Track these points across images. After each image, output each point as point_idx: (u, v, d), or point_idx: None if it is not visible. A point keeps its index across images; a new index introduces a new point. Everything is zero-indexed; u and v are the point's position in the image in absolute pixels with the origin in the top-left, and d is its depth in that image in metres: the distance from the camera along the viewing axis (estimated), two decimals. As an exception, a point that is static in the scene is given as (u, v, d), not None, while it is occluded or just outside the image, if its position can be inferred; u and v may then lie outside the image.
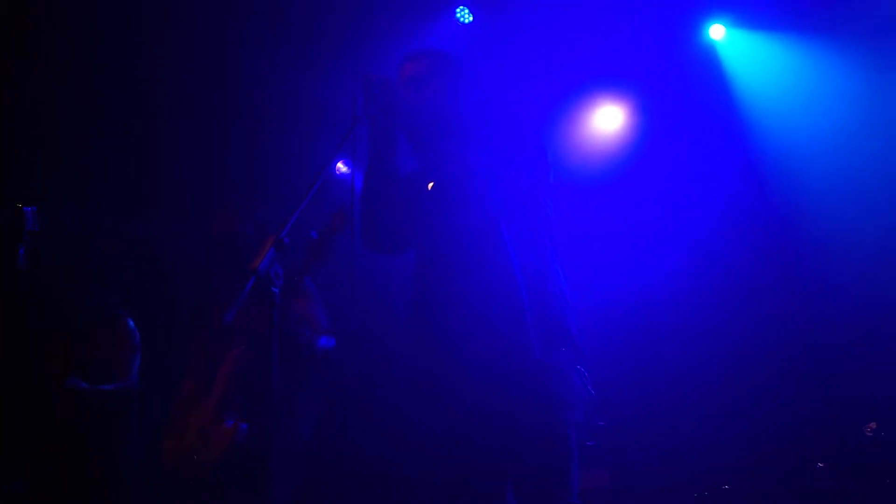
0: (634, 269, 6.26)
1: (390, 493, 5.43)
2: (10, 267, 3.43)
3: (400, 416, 5.36)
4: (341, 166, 5.60)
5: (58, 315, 4.37)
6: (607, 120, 6.64)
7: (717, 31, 6.32)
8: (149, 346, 4.61)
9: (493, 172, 2.89)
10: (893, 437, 5.36)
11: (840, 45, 5.98)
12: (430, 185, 3.00)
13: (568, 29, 6.07)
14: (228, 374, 3.92)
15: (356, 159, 2.88)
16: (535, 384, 2.78)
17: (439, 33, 6.15)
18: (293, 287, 3.80)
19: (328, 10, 5.96)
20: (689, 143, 6.35)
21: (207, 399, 3.94)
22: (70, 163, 5.68)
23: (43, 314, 4.36)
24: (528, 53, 6.12)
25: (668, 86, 6.35)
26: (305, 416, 4.12)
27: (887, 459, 5.29)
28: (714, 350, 6.11)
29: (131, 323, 4.50)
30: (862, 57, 5.93)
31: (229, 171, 6.05)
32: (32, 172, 5.43)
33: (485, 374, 2.79)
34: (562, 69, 6.21)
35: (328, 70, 5.85)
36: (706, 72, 6.36)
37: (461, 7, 6.22)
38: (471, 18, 6.24)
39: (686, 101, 6.37)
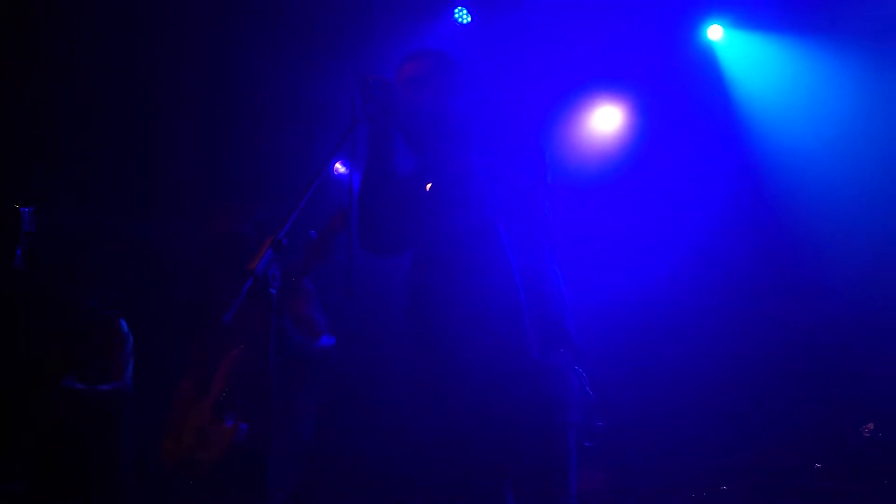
0: (633, 269, 6.26)
1: (390, 493, 5.43)
2: (7, 267, 3.44)
3: (399, 416, 5.36)
4: (339, 167, 5.60)
5: (54, 315, 4.36)
6: (605, 120, 6.64)
7: (715, 32, 6.33)
8: (148, 346, 4.61)
9: (491, 173, 2.90)
10: (891, 437, 5.37)
11: (838, 46, 5.99)
12: (429, 185, 3.00)
13: (566, 29, 6.08)
14: (227, 373, 3.92)
15: (354, 160, 2.88)
16: (534, 384, 2.79)
17: (438, 34, 6.16)
18: (292, 288, 3.81)
19: (328, 10, 5.97)
20: (688, 143, 6.36)
21: (206, 399, 3.94)
22: (70, 163, 5.67)
23: (40, 314, 4.36)
24: (527, 54, 6.13)
25: (667, 86, 6.36)
26: (305, 416, 4.12)
27: (885, 460, 5.30)
28: (712, 351, 6.12)
29: (124, 323, 4.50)
30: (860, 58, 5.93)
31: (229, 171, 6.05)
32: (32, 172, 5.43)
33: (484, 374, 2.80)
34: (560, 70, 6.22)
35: (328, 70, 5.85)
36: (704, 73, 6.37)
37: (459, 7, 6.23)
38: (469, 19, 6.25)
39: (684, 101, 6.38)
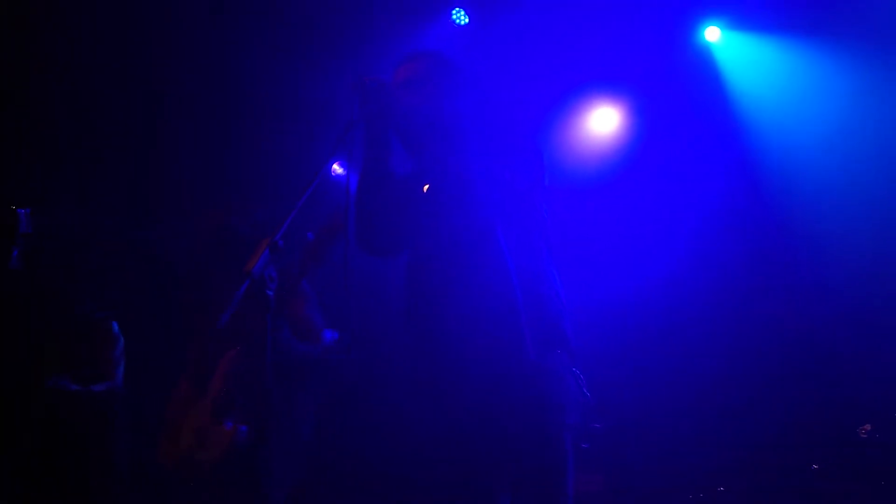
0: (630, 270, 6.27)
1: (389, 493, 5.43)
2: (4, 268, 3.45)
3: (399, 417, 5.36)
4: (337, 168, 5.60)
5: (50, 316, 4.37)
6: (603, 122, 6.64)
7: (712, 34, 6.34)
8: (147, 346, 4.62)
9: (488, 175, 2.90)
10: (888, 438, 5.37)
11: (835, 47, 6.00)
12: (426, 187, 3.01)
13: (563, 31, 6.08)
14: (225, 374, 3.92)
15: (352, 161, 2.88)
16: (531, 386, 2.79)
17: (435, 35, 6.16)
18: (290, 289, 3.81)
19: (328, 10, 5.97)
20: (685, 144, 6.36)
21: (204, 399, 3.95)
22: (70, 163, 5.67)
23: (36, 315, 4.37)
24: (524, 55, 6.13)
25: (664, 88, 6.36)
26: (305, 416, 4.13)
27: (883, 460, 5.30)
28: (709, 351, 6.12)
29: (115, 325, 4.51)
30: (856, 59, 5.94)
31: (229, 171, 6.05)
32: (32, 172, 5.43)
33: (481, 375, 2.80)
34: (557, 71, 6.22)
35: (328, 70, 5.85)
36: (702, 74, 6.38)
37: (457, 9, 6.23)
38: (467, 20, 6.25)
39: (682, 103, 6.38)
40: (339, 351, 4.14)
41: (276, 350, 2.49)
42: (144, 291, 5.45)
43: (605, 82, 6.43)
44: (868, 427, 5.42)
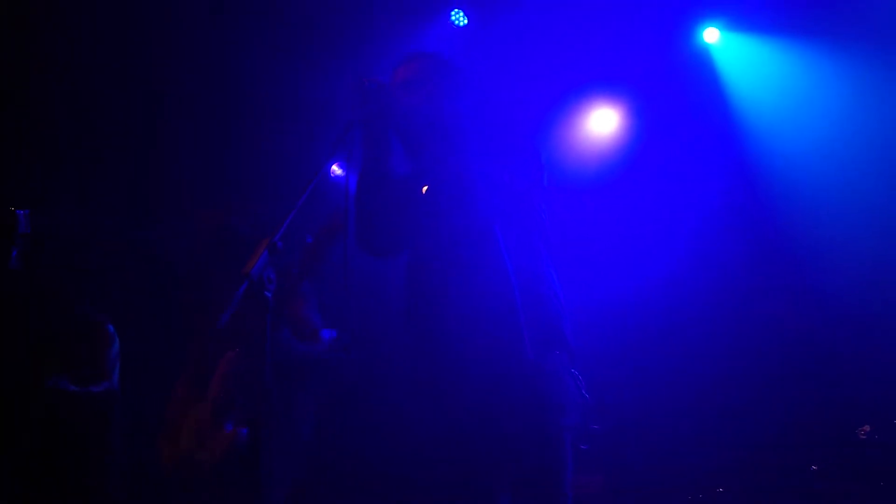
0: (630, 271, 6.27)
1: (389, 493, 5.43)
2: (3, 268, 3.45)
3: (398, 417, 5.36)
4: (336, 169, 5.60)
5: (49, 317, 4.37)
6: (602, 123, 6.64)
7: (711, 35, 6.33)
8: (147, 346, 4.62)
9: (487, 175, 2.91)
10: (887, 439, 5.37)
11: (834, 48, 6.00)
12: (425, 188, 3.01)
13: (563, 32, 6.08)
14: (224, 374, 3.93)
15: (351, 162, 2.88)
16: (530, 387, 2.81)
17: (434, 36, 6.16)
18: (289, 290, 3.82)
19: (328, 10, 5.97)
20: (684, 146, 6.36)
21: (204, 400, 3.95)
22: (70, 163, 5.67)
23: (35, 316, 4.37)
24: (524, 56, 6.13)
25: (663, 89, 6.36)
26: (305, 416, 4.13)
27: (882, 461, 5.30)
28: (709, 352, 6.12)
29: (111, 326, 4.52)
30: (856, 60, 5.94)
31: (229, 171, 6.05)
32: (32, 172, 5.43)
33: (481, 375, 2.81)
34: (557, 72, 6.22)
35: (328, 70, 5.85)
36: (701, 75, 6.37)
37: (456, 10, 6.23)
38: (465, 21, 6.25)
39: (681, 104, 6.38)
40: (337, 350, 4.14)
41: (275, 350, 2.48)
42: (144, 291, 5.45)
43: (604, 83, 6.43)
44: (867, 428, 5.42)
